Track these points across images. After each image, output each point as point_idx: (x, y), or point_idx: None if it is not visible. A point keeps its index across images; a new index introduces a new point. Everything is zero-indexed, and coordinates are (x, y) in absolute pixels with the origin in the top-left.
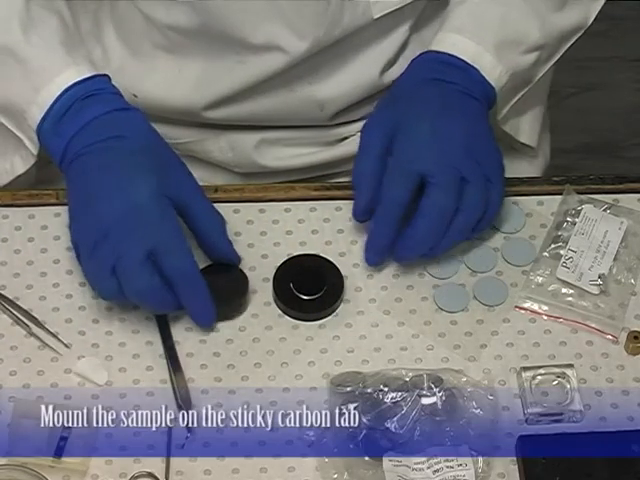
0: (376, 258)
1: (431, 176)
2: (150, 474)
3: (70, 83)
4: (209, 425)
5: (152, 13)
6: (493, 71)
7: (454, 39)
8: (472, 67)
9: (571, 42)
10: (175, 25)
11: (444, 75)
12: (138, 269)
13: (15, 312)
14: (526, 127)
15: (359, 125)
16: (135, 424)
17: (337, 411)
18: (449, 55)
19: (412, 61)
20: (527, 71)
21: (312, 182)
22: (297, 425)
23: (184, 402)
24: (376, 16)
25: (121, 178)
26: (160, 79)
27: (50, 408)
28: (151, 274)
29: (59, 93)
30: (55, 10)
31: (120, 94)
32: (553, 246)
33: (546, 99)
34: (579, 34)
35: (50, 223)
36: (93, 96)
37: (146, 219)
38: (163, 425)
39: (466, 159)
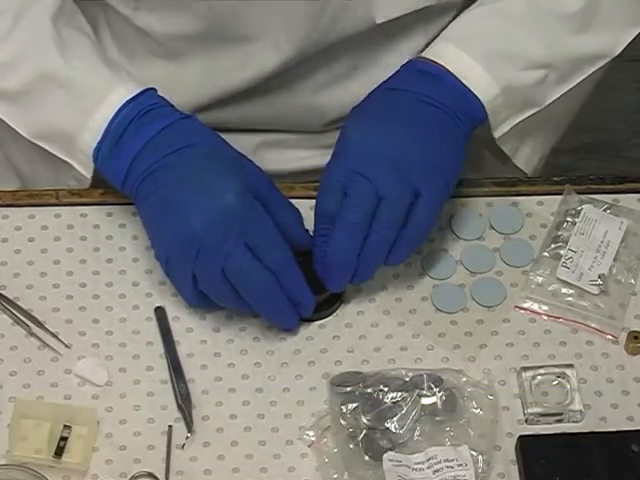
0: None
1: (347, 187)
2: (150, 474)
3: (122, 102)
4: (209, 425)
5: (148, 26)
6: (478, 80)
7: (440, 46)
8: (450, 75)
9: (592, 69)
10: (174, 33)
11: (405, 84)
12: (249, 265)
13: (15, 312)
14: (527, 150)
15: None
16: (135, 424)
17: (337, 411)
18: (426, 61)
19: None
20: (529, 90)
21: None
22: (297, 425)
23: (184, 402)
24: (379, 21)
25: (204, 184)
26: (157, 84)
27: (51, 407)
28: (262, 268)
29: (113, 114)
30: (82, 29)
31: (172, 104)
32: (553, 246)
33: (560, 133)
34: (603, 62)
35: (50, 223)
36: (149, 112)
37: (239, 218)
38: (163, 425)
39: (388, 170)
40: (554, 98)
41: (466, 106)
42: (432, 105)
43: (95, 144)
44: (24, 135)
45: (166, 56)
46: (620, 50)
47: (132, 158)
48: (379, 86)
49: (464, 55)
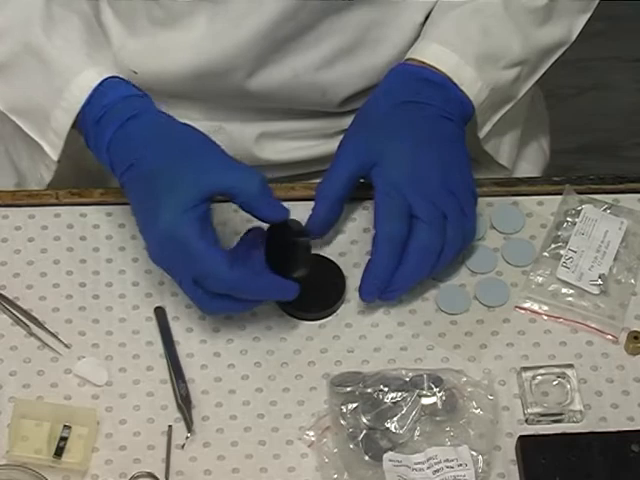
0: (374, 295)
1: (418, 217)
2: (150, 474)
3: (92, 86)
4: (209, 425)
5: None
6: (473, 86)
7: (435, 49)
8: (451, 83)
9: (554, 58)
10: None
11: (421, 96)
12: (196, 296)
13: (15, 312)
14: (506, 148)
15: None
16: (135, 424)
17: (337, 411)
18: (429, 68)
19: (389, 73)
20: (508, 87)
21: (312, 178)
22: (297, 425)
23: (184, 402)
24: None
25: (147, 209)
26: (159, 54)
27: (51, 407)
28: (211, 302)
29: (81, 104)
30: (77, 10)
31: (134, 93)
32: (553, 246)
33: (522, 121)
34: (562, 49)
35: (50, 223)
36: (108, 112)
37: (179, 248)
38: (163, 425)
39: (446, 196)
40: (526, 90)
41: (466, 114)
42: (448, 119)
43: (68, 126)
44: (1, 108)
45: (168, 22)
46: (575, 36)
47: (104, 161)
48: (386, 93)
49: (459, 60)
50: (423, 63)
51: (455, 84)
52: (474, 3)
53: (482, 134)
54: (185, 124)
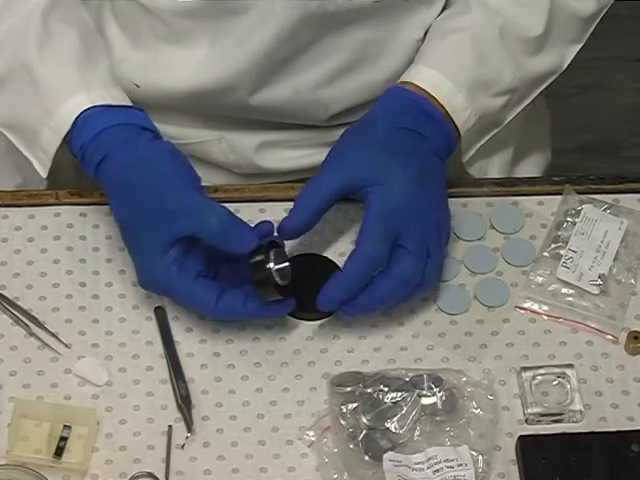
0: (332, 307)
1: (405, 247)
2: (150, 474)
3: (79, 111)
4: (209, 425)
5: (153, 3)
6: (462, 113)
7: (430, 75)
8: (444, 116)
9: (544, 86)
10: (179, 9)
11: (421, 127)
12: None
13: (15, 312)
14: (496, 169)
15: None
16: (135, 424)
17: (337, 411)
18: (425, 96)
19: (386, 95)
20: (495, 114)
21: None
22: (297, 425)
23: (184, 402)
24: None
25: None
26: (163, 69)
27: (51, 407)
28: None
29: (68, 128)
30: (76, 22)
31: (122, 122)
32: (553, 246)
33: (514, 142)
34: (552, 78)
35: (50, 223)
36: (92, 143)
37: (164, 294)
38: (163, 425)
39: (434, 234)
40: (512, 117)
41: (450, 150)
42: (440, 157)
43: (55, 147)
44: None
45: (171, 38)
46: (566, 65)
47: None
48: (386, 116)
49: (451, 86)
50: (418, 88)
51: (448, 115)
52: (471, 30)
53: (465, 158)
54: (155, 153)
